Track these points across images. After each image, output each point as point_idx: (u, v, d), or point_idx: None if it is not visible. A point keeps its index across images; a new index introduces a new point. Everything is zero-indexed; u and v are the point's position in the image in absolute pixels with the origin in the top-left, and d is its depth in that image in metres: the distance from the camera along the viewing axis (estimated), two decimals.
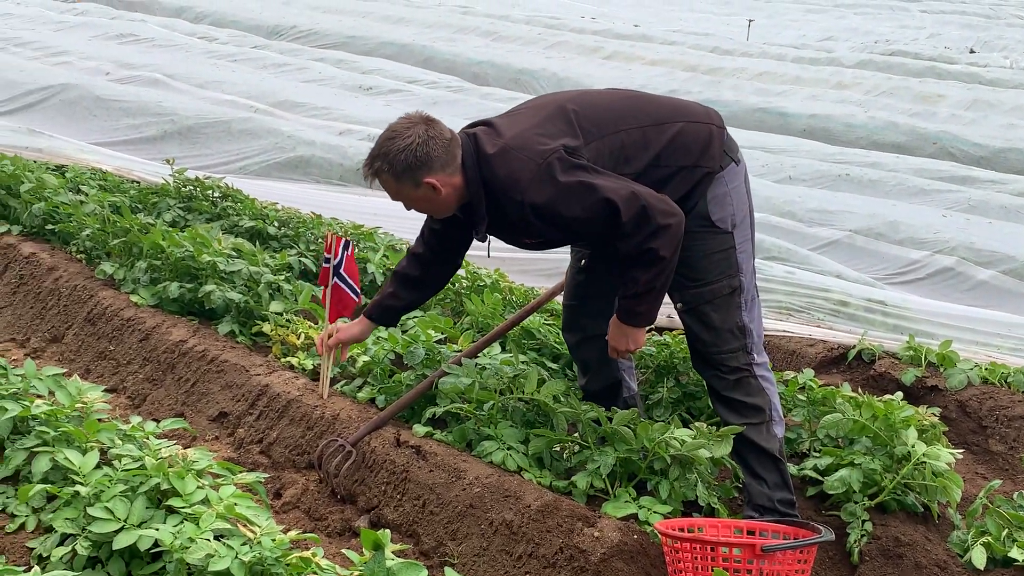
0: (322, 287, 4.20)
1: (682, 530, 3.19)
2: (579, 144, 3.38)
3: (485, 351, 4.17)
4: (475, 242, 3.72)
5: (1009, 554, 3.46)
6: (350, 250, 4.15)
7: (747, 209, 3.62)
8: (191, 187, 6.65)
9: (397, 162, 3.34)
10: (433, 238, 3.78)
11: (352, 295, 4.15)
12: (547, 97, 3.67)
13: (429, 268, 3.85)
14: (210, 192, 6.64)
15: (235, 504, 2.92)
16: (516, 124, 3.46)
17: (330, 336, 3.97)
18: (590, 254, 3.88)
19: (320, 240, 6.13)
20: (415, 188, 3.39)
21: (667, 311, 4.87)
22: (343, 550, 2.91)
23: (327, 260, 4.14)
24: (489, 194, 3.40)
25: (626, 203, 3.27)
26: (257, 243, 5.91)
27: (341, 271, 4.14)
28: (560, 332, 4.78)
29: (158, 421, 3.59)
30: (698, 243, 3.52)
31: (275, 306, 4.98)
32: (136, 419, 3.49)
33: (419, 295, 3.94)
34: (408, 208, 3.56)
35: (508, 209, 3.38)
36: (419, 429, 3.85)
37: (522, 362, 4.18)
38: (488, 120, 3.54)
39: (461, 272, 5.67)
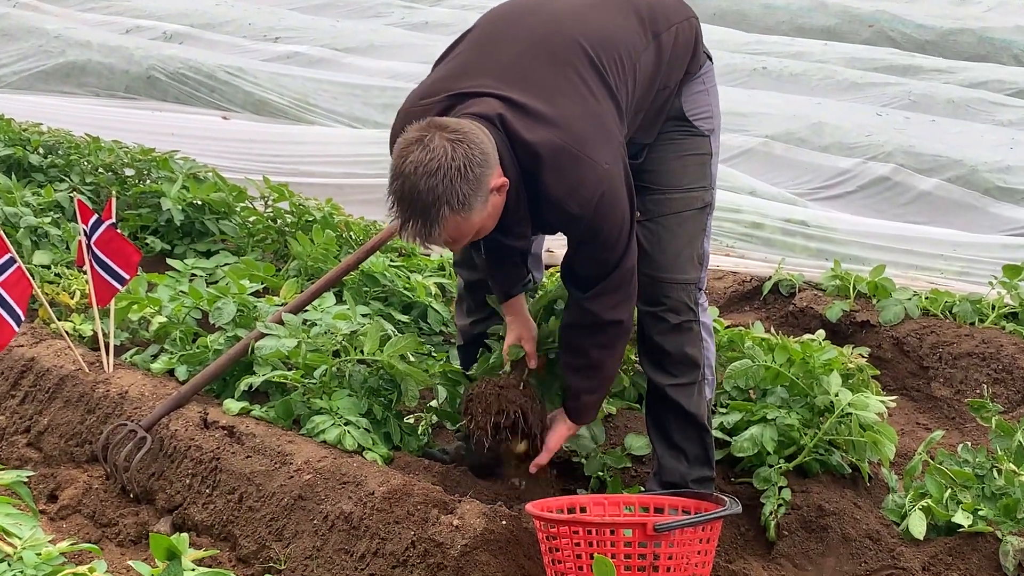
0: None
1: (560, 511, 3.24)
2: (623, 131, 3.33)
3: (315, 303, 4.16)
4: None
5: (953, 519, 3.58)
6: (103, 227, 4.05)
7: (719, 118, 3.67)
8: None
9: (457, 184, 3.01)
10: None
11: (114, 283, 4.10)
12: (530, 21, 3.41)
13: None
14: None
15: None
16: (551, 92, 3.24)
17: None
18: None
19: (100, 171, 6.00)
20: (484, 205, 3.11)
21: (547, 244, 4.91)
22: (131, 562, 2.88)
23: (85, 233, 4.06)
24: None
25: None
26: (15, 176, 5.78)
27: (95, 250, 4.05)
28: (411, 276, 4.80)
29: None
30: (673, 144, 3.54)
31: (40, 256, 4.90)
32: None
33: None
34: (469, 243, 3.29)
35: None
36: (232, 405, 3.83)
37: (362, 315, 4.18)
38: (495, 92, 3.20)
39: (284, 205, 5.62)
